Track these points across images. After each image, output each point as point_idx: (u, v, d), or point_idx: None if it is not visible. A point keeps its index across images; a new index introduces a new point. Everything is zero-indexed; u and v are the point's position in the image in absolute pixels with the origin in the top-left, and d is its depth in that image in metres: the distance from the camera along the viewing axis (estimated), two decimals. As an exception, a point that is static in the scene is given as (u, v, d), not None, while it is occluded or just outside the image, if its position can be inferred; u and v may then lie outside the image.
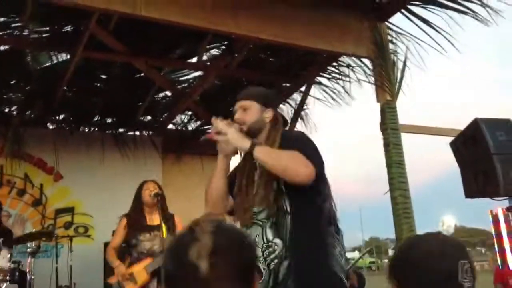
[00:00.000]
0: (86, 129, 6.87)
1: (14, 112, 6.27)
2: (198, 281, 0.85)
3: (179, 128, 7.43)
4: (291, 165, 1.83)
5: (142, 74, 5.81)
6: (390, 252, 39.62)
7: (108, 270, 4.36)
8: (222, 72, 5.88)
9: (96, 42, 4.81)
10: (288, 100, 6.58)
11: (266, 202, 1.90)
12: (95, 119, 6.79)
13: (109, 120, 6.89)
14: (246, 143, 1.93)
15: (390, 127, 4.46)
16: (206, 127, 7.54)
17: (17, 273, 4.69)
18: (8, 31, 4.91)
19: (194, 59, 5.80)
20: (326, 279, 1.79)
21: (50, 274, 5.44)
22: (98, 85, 6.13)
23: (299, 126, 6.52)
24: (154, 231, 3.86)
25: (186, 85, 6.35)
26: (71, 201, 6.41)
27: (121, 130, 6.98)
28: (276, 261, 1.81)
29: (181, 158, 7.24)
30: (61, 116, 6.64)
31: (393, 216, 4.30)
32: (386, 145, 4.43)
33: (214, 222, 0.94)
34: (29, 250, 5.09)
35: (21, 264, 4.92)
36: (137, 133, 7.14)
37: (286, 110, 6.60)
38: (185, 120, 7.35)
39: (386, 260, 37.25)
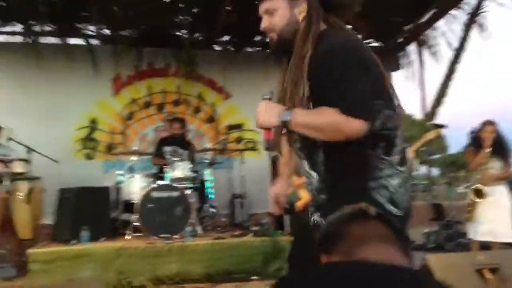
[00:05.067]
0: (249, 49, 7.13)
1: (184, 35, 6.77)
2: None
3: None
4: (335, 134, 1.48)
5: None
6: None
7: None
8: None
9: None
10: (461, 5, 5.85)
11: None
12: (257, 38, 6.98)
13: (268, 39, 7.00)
14: (274, 119, 1.55)
15: None
16: (368, 41, 7.22)
17: (198, 181, 5.35)
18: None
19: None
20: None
21: (225, 183, 6.08)
22: (258, 2, 6.19)
23: (474, 35, 5.82)
24: None
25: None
26: (240, 118, 6.90)
27: (281, 48, 7.06)
28: (315, 193, 1.66)
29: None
30: (226, 38, 6.97)
31: None
32: None
33: None
34: (207, 161, 5.74)
35: (201, 173, 5.59)
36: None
37: (459, 16, 5.91)
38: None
39: None
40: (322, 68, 1.50)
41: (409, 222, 1.61)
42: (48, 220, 4.80)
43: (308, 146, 1.63)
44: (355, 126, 1.44)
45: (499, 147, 4.36)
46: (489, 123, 4.43)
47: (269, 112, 1.56)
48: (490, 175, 4.33)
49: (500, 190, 4.33)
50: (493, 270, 2.60)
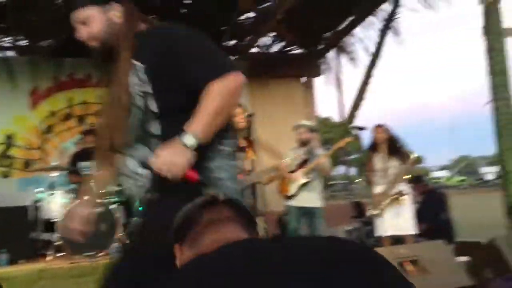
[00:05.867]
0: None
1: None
2: None
3: (263, 51, 7.38)
4: (229, 102, 1.47)
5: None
6: (482, 170, 37.91)
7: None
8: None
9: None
10: (377, 12, 6.21)
11: None
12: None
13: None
14: (186, 154, 1.42)
15: (493, 31, 4.06)
16: (290, 48, 7.44)
17: (124, 195, 5.17)
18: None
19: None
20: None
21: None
22: (183, 11, 6.17)
23: (389, 39, 6.19)
24: (242, 151, 4.06)
25: (269, 4, 6.19)
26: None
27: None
28: (143, 190, 1.57)
29: (266, 81, 7.25)
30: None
31: (495, 127, 4.04)
32: (489, 51, 4.06)
33: None
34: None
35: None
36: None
37: (375, 23, 6.26)
38: (268, 43, 7.27)
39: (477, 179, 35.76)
40: (170, 52, 1.49)
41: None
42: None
43: (142, 138, 1.55)
44: (236, 79, 1.45)
45: (393, 147, 4.66)
46: (378, 126, 4.74)
47: (174, 154, 1.41)
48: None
49: (402, 186, 4.62)
50: (413, 262, 2.76)
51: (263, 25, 6.33)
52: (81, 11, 1.57)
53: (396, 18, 6.11)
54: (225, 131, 1.52)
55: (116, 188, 4.86)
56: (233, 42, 7.11)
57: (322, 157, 4.64)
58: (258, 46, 7.34)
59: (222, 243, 0.88)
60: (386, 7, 6.12)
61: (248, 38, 6.97)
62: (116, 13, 1.58)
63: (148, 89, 1.51)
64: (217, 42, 6.71)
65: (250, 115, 4.24)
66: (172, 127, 1.47)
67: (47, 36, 6.12)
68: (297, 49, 7.45)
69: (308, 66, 7.52)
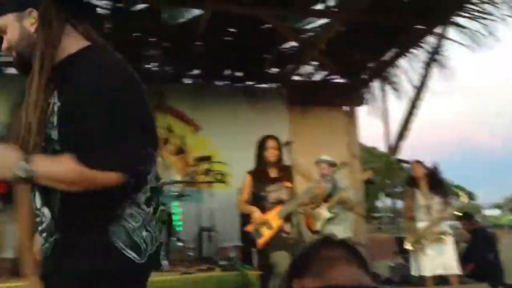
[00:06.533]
0: (219, 83, 7.26)
1: (155, 68, 6.83)
2: None
3: (305, 79, 7.46)
4: (88, 186, 1.25)
5: (269, 26, 5.89)
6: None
7: (244, 217, 4.65)
8: (349, 18, 5.69)
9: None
10: (422, 44, 6.18)
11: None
12: (226, 73, 7.12)
13: (238, 74, 7.18)
14: (9, 172, 1.22)
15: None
16: (332, 77, 7.49)
17: (165, 214, 5.29)
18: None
19: (320, 6, 5.70)
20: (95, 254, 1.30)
21: (192, 215, 6.02)
22: (228, 39, 6.37)
23: (435, 72, 6.13)
24: (278, 182, 4.11)
25: (312, 34, 6.30)
26: (208, 151, 6.92)
27: (249, 83, 7.26)
28: (44, 234, 1.37)
29: (307, 109, 7.31)
30: (196, 71, 7.08)
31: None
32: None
33: None
34: (175, 193, 5.70)
35: (168, 205, 5.54)
36: (265, 85, 7.36)
37: (420, 55, 6.22)
38: (311, 71, 7.36)
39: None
40: (81, 104, 1.24)
41: (150, 272, 1.42)
42: None
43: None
44: (111, 178, 1.23)
45: (433, 183, 4.55)
46: (416, 162, 4.66)
47: (3, 162, 1.23)
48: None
49: (445, 224, 4.49)
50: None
51: (305, 55, 6.42)
52: (0, 20, 1.38)
53: (441, 51, 6.05)
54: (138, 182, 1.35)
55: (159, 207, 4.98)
56: (275, 69, 7.23)
57: (345, 191, 4.67)
58: (299, 74, 7.43)
59: (347, 277, 0.98)
60: (432, 40, 6.08)
61: (290, 66, 7.08)
62: (32, 21, 1.34)
63: (54, 134, 1.30)
64: (260, 69, 6.88)
65: (287, 143, 4.31)
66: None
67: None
68: (340, 78, 7.48)
69: (351, 95, 7.52)
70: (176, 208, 5.64)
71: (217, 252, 5.57)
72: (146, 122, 1.33)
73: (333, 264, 1.05)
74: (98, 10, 5.56)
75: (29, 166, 1.21)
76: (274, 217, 4.02)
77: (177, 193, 5.68)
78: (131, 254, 1.32)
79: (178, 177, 6.31)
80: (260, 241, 4.03)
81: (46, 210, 1.35)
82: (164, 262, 4.72)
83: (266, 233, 4.00)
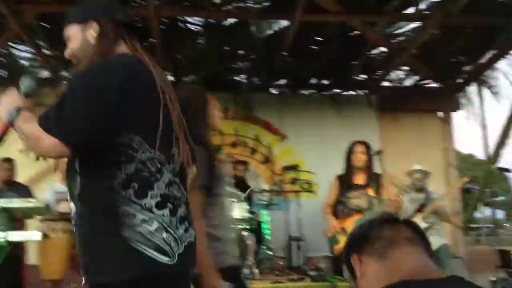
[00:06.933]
0: (305, 92, 7.25)
1: (243, 80, 7.00)
2: None
3: (395, 84, 7.22)
4: (34, 146, 1.35)
5: (357, 32, 5.79)
6: None
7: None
8: (442, 21, 5.42)
9: (312, 6, 4.98)
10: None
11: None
12: (312, 81, 7.10)
13: (325, 82, 7.12)
14: (3, 113, 1.39)
15: None
16: (425, 81, 7.18)
17: (255, 222, 5.37)
18: (234, 4, 5.48)
19: (411, 10, 5.50)
20: (112, 251, 1.35)
21: (280, 224, 6.05)
22: (315, 47, 6.34)
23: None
24: (361, 189, 4.05)
25: (402, 38, 6.08)
26: (295, 160, 6.94)
27: (337, 90, 7.17)
28: (74, 228, 1.46)
29: (397, 115, 7.07)
30: (282, 81, 7.14)
31: None
32: None
33: None
34: (264, 202, 5.77)
35: (257, 214, 5.61)
36: (352, 92, 7.23)
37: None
38: (401, 76, 7.10)
39: None
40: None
41: (191, 269, 1.48)
42: None
43: (69, 176, 1.45)
44: (55, 144, 1.30)
45: None
46: None
47: (6, 103, 1.41)
48: None
49: None
50: None
51: (396, 60, 6.21)
52: (66, 29, 1.56)
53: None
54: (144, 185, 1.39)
55: (248, 215, 5.09)
56: (362, 76, 7.08)
57: (439, 200, 4.53)
58: (389, 80, 7.20)
59: (411, 262, 0.95)
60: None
61: (379, 72, 6.89)
62: (93, 33, 1.51)
63: None
64: (347, 76, 6.77)
65: (379, 152, 4.22)
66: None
67: (189, 72, 6.73)
68: (433, 83, 7.14)
69: (445, 100, 7.13)
70: (265, 216, 5.69)
71: (305, 262, 5.54)
72: (104, 117, 1.34)
73: (395, 245, 1.01)
74: (191, 27, 5.85)
75: (16, 114, 1.36)
76: (351, 225, 3.96)
77: (265, 202, 5.75)
78: (160, 256, 1.33)
79: (266, 186, 6.39)
80: (337, 248, 4.00)
81: (72, 205, 1.44)
82: (255, 271, 4.80)
83: (343, 240, 3.94)
